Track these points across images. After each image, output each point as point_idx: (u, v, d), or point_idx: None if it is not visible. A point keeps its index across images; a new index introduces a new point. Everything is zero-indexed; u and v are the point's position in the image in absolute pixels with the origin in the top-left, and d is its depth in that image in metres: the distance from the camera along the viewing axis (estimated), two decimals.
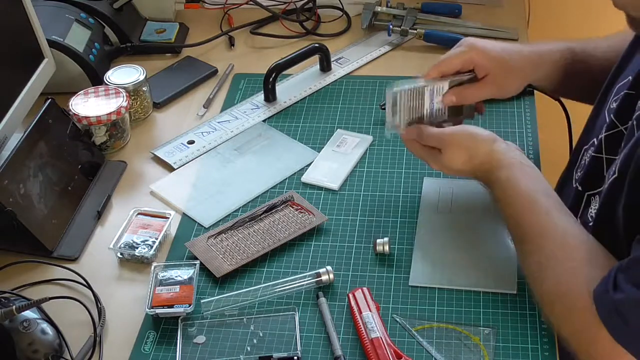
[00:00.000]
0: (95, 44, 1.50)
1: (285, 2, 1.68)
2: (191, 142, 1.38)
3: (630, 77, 1.09)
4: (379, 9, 1.62)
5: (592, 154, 1.10)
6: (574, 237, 0.99)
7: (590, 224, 1.05)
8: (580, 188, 1.12)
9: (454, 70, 1.20)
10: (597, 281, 0.91)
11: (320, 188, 1.28)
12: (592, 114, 1.19)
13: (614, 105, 1.10)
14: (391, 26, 1.58)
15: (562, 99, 1.31)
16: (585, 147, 1.16)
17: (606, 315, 0.89)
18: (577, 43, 1.27)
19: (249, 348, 1.05)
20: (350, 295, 1.08)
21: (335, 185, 1.28)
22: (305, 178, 1.29)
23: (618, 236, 0.97)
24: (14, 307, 0.98)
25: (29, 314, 1.04)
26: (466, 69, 1.20)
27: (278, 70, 1.45)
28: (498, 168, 1.09)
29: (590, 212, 1.07)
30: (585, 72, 1.26)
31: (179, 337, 1.06)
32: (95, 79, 1.46)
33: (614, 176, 0.99)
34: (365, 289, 1.08)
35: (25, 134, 1.23)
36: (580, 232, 1.00)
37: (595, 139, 1.13)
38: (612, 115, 1.08)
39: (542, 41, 1.27)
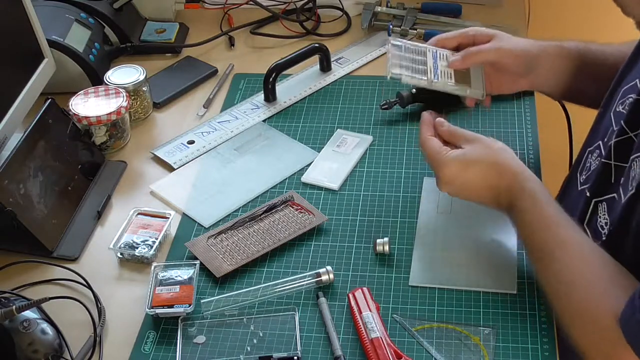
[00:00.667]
0: (95, 44, 1.50)
1: (285, 2, 1.68)
2: (191, 142, 1.38)
3: (637, 81, 1.08)
4: (379, 9, 1.62)
5: (602, 160, 1.09)
6: (599, 257, 0.98)
7: (604, 233, 1.05)
8: (588, 194, 1.10)
9: (455, 42, 1.21)
10: (620, 300, 0.90)
11: (320, 188, 1.28)
12: (599, 116, 1.18)
13: (620, 108, 1.10)
14: (391, 26, 1.58)
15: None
16: (589, 149, 1.15)
17: (633, 337, 0.88)
18: (596, 46, 1.27)
19: (249, 348, 1.05)
20: (350, 295, 1.08)
21: (335, 185, 1.28)
22: (305, 178, 1.29)
23: (629, 250, 0.98)
24: (14, 307, 0.98)
25: (29, 314, 1.04)
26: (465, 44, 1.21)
27: (278, 70, 1.45)
28: (521, 197, 1.05)
29: (600, 220, 1.06)
30: (596, 75, 1.25)
31: (179, 337, 1.06)
32: (95, 79, 1.46)
33: (632, 192, 0.99)
34: (365, 289, 1.08)
35: (25, 134, 1.23)
36: (602, 252, 0.99)
37: (601, 143, 1.12)
38: (622, 122, 1.07)
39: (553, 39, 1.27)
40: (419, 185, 1.27)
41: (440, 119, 1.13)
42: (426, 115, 1.14)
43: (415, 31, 1.56)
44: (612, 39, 1.27)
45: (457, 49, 1.23)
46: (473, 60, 1.20)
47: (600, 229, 1.06)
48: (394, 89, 1.44)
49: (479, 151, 1.08)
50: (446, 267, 1.13)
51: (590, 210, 1.09)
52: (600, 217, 1.06)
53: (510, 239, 1.15)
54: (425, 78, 1.13)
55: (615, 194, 1.04)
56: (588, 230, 1.08)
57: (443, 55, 1.16)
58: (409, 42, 1.16)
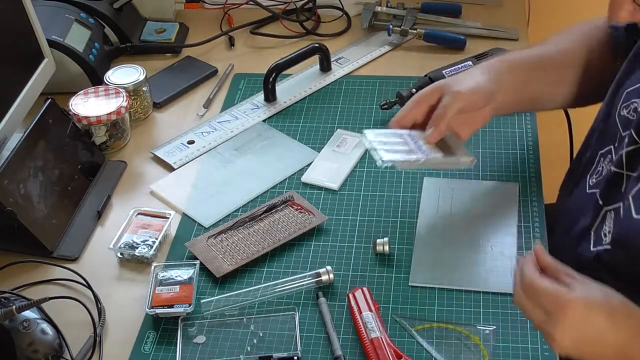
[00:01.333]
0: (95, 44, 1.50)
1: (285, 2, 1.68)
2: (191, 142, 1.38)
3: None
4: (379, 9, 1.62)
5: (613, 168, 1.08)
6: None
7: (606, 240, 1.04)
8: (600, 202, 1.09)
9: (412, 117, 1.13)
10: None
11: (320, 188, 1.28)
12: (602, 116, 1.16)
13: (625, 112, 1.09)
14: (391, 26, 1.58)
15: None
16: (601, 152, 1.14)
17: None
18: (537, 49, 1.23)
19: (249, 348, 1.05)
20: (350, 295, 1.08)
21: (335, 185, 1.28)
22: (305, 178, 1.29)
23: (628, 261, 0.98)
24: (14, 307, 0.98)
25: (29, 314, 1.04)
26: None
27: (278, 70, 1.45)
28: None
29: (604, 228, 1.06)
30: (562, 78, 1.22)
31: (179, 337, 1.06)
32: (95, 79, 1.46)
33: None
34: (365, 289, 1.08)
35: (25, 134, 1.23)
36: None
37: (612, 148, 1.11)
38: (631, 130, 1.06)
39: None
40: (419, 185, 1.27)
41: (539, 247, 0.93)
42: (523, 259, 0.93)
43: (415, 31, 1.56)
44: None
45: (422, 123, 1.14)
46: (445, 123, 1.09)
47: (602, 236, 1.06)
48: (394, 89, 1.44)
49: (605, 291, 0.89)
50: (446, 267, 1.13)
51: (599, 218, 1.08)
52: (606, 225, 1.06)
53: (510, 239, 1.15)
54: (418, 157, 1.07)
55: (621, 203, 1.04)
56: (593, 236, 1.08)
57: (417, 134, 1.11)
58: (381, 130, 1.11)
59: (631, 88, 1.10)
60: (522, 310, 0.92)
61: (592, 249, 1.07)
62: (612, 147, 1.11)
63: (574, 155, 1.28)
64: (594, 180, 1.14)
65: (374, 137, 1.10)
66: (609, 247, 1.04)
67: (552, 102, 1.24)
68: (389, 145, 1.08)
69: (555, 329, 0.87)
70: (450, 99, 1.10)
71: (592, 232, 1.08)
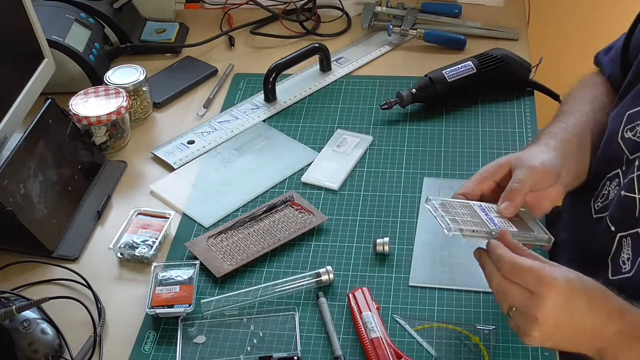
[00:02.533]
0: (95, 44, 1.50)
1: (285, 2, 1.68)
2: (191, 142, 1.38)
3: None
4: (379, 9, 1.62)
5: (624, 193, 1.05)
6: None
7: (625, 268, 1.02)
8: (613, 228, 1.06)
9: (478, 188, 1.05)
10: None
11: (320, 188, 1.28)
12: (606, 140, 1.15)
13: (630, 135, 1.08)
14: (391, 26, 1.58)
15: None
16: (608, 175, 1.11)
17: None
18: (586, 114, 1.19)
19: (249, 348, 1.05)
20: (350, 295, 1.08)
21: (335, 185, 1.28)
22: (305, 178, 1.29)
23: None
24: (14, 307, 0.98)
25: (29, 314, 1.04)
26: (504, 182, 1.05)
27: (278, 70, 1.45)
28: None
29: (622, 256, 1.04)
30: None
31: (179, 337, 1.06)
32: (95, 79, 1.46)
33: None
34: (365, 289, 1.08)
35: (25, 134, 1.23)
36: None
37: (620, 171, 1.09)
38: None
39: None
40: (419, 185, 1.27)
41: (504, 231, 0.95)
42: (494, 242, 0.93)
43: (415, 31, 1.56)
44: (613, 39, 1.27)
45: (486, 194, 1.07)
46: (522, 197, 1.02)
47: (621, 263, 1.04)
48: (394, 89, 1.45)
49: (572, 271, 0.89)
50: (446, 267, 1.13)
51: (615, 246, 1.06)
52: (624, 252, 1.04)
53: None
54: (490, 229, 0.97)
55: (638, 229, 1.02)
56: (611, 265, 1.06)
57: (488, 206, 1.02)
58: (447, 199, 1.02)
59: (633, 110, 1.09)
60: (500, 298, 0.91)
61: (610, 277, 1.04)
62: (619, 170, 1.09)
63: None
64: (599, 204, 1.12)
65: (438, 205, 0.99)
66: (630, 275, 1.02)
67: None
68: (458, 215, 0.98)
69: (539, 310, 0.86)
70: (525, 173, 1.03)
71: (609, 261, 1.06)
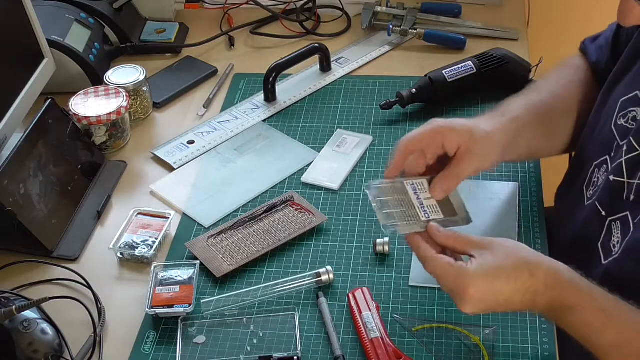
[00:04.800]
0: (95, 44, 1.50)
1: (285, 2, 1.68)
2: (191, 142, 1.38)
3: (638, 92, 1.08)
4: (379, 9, 1.62)
5: (613, 177, 1.06)
6: None
7: (614, 251, 1.04)
8: (604, 213, 1.07)
9: (417, 149, 1.05)
10: None
11: (320, 188, 1.28)
12: (591, 122, 1.16)
13: (622, 122, 1.09)
14: (391, 26, 1.58)
15: None
16: (596, 162, 1.13)
17: None
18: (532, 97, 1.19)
19: (249, 348, 1.05)
20: (350, 295, 1.08)
21: (335, 185, 1.28)
22: (305, 178, 1.29)
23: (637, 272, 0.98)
24: (14, 307, 0.98)
25: (29, 314, 1.04)
26: (432, 152, 1.06)
27: (278, 70, 1.45)
28: (564, 293, 0.93)
29: (612, 240, 1.05)
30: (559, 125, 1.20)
31: (179, 337, 1.06)
32: (95, 79, 1.46)
33: None
34: (365, 289, 1.08)
35: (25, 134, 1.23)
36: None
37: (608, 158, 1.10)
38: (630, 138, 1.05)
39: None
40: None
41: (432, 225, 0.99)
42: (415, 236, 0.99)
43: (415, 31, 1.56)
44: None
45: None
46: (454, 187, 1.05)
47: (612, 247, 1.05)
48: (394, 89, 1.45)
49: (499, 255, 0.94)
50: None
51: (605, 230, 1.07)
52: (614, 236, 1.05)
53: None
54: (418, 222, 1.01)
55: (628, 212, 1.03)
56: (601, 249, 1.07)
57: (421, 185, 1.05)
58: (384, 181, 1.05)
59: (626, 97, 1.10)
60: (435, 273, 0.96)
61: (603, 262, 1.05)
62: (607, 157, 1.10)
63: (569, 163, 1.27)
64: (591, 192, 1.13)
65: (375, 195, 1.03)
66: (617, 256, 1.03)
67: (545, 154, 1.22)
68: (393, 206, 1.03)
69: (463, 306, 0.93)
70: (469, 168, 1.04)
71: (599, 246, 1.07)
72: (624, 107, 1.09)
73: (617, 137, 1.09)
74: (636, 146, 1.04)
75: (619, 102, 1.11)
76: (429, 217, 1.02)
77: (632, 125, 1.07)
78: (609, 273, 1.03)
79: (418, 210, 1.02)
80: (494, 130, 1.08)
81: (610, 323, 0.92)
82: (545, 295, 0.92)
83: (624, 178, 1.05)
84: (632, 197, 1.03)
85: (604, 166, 1.11)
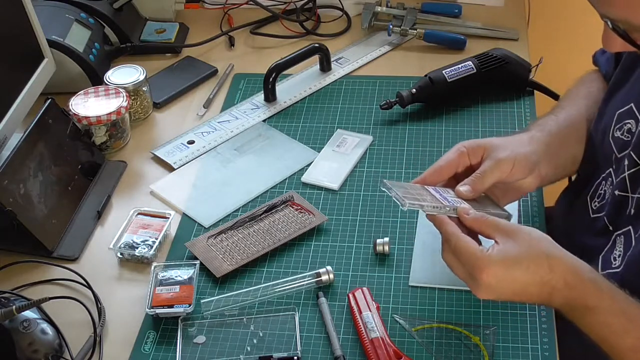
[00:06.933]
0: (95, 44, 1.50)
1: (285, 2, 1.68)
2: (191, 142, 1.38)
3: (632, 105, 1.08)
4: (379, 9, 1.62)
5: (618, 192, 1.06)
6: None
7: (615, 264, 1.03)
8: (611, 228, 1.07)
9: (452, 170, 1.07)
10: None
11: (320, 188, 1.28)
12: (593, 133, 1.16)
13: (619, 134, 1.09)
14: (391, 26, 1.58)
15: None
16: (603, 175, 1.12)
17: None
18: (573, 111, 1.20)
19: (249, 348, 1.05)
20: (350, 295, 1.08)
21: (335, 185, 1.28)
22: (305, 178, 1.29)
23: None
24: (14, 307, 0.98)
25: (29, 314, 1.04)
26: (462, 171, 1.08)
27: (278, 70, 1.45)
28: (584, 293, 0.93)
29: (614, 253, 1.05)
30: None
31: (179, 337, 1.06)
32: (95, 79, 1.46)
33: None
34: (365, 289, 1.08)
35: (25, 134, 1.23)
36: None
37: (612, 171, 1.10)
38: (630, 152, 1.05)
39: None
40: None
41: (464, 206, 0.99)
42: (441, 216, 0.98)
43: (415, 31, 1.56)
44: None
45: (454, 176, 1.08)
46: (482, 188, 1.05)
47: (612, 259, 1.05)
48: (394, 89, 1.45)
49: (522, 245, 0.93)
50: (446, 267, 1.12)
51: (610, 244, 1.07)
52: (616, 249, 1.05)
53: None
54: (447, 204, 0.99)
55: (630, 226, 1.03)
56: (600, 261, 1.07)
57: (444, 190, 1.04)
58: (404, 183, 1.06)
59: (622, 109, 1.10)
60: (449, 267, 0.98)
61: (599, 272, 1.04)
62: (611, 169, 1.10)
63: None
64: (596, 204, 1.13)
65: (392, 184, 1.01)
66: (618, 270, 1.03)
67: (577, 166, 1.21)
68: (413, 194, 1.00)
69: (476, 291, 0.94)
70: (492, 166, 1.05)
71: (600, 258, 1.07)
72: (620, 120, 1.10)
73: (615, 150, 1.09)
74: (637, 160, 1.04)
75: (615, 114, 1.11)
76: (458, 205, 1.00)
77: (628, 137, 1.07)
78: None
79: (443, 202, 1.00)
80: (514, 138, 1.10)
81: (630, 326, 0.91)
82: (564, 292, 0.92)
83: (627, 192, 1.05)
84: (632, 210, 1.03)
85: (609, 179, 1.11)
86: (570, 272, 0.92)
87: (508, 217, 1.06)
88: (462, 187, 1.04)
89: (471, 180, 1.04)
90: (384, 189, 1.02)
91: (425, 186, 1.04)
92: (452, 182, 1.07)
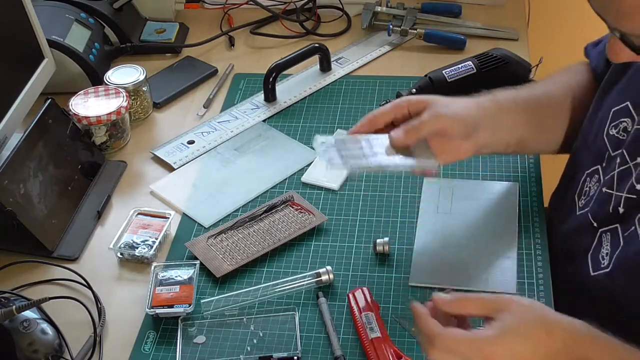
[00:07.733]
0: (95, 44, 1.50)
1: (285, 2, 1.68)
2: (191, 142, 1.38)
3: (628, 104, 1.07)
4: (379, 9, 1.62)
5: (605, 189, 1.07)
6: None
7: (603, 263, 1.04)
8: (595, 224, 1.08)
9: (389, 117, 1.08)
10: None
11: (320, 188, 1.28)
12: (585, 130, 1.16)
13: (614, 132, 1.08)
14: (391, 26, 1.58)
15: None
16: (588, 171, 1.13)
17: None
18: (540, 89, 1.20)
19: (249, 348, 1.05)
20: (350, 295, 1.08)
21: (335, 185, 1.28)
22: (305, 178, 1.29)
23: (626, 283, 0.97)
24: (14, 307, 0.98)
25: (29, 314, 1.04)
26: (400, 121, 1.07)
27: (278, 70, 1.45)
28: (586, 350, 0.90)
29: (602, 251, 1.05)
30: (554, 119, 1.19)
31: (179, 337, 1.06)
32: (95, 79, 1.46)
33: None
34: (365, 289, 1.08)
35: (25, 134, 1.23)
36: None
37: (600, 168, 1.10)
38: (623, 150, 1.05)
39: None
40: (419, 185, 1.26)
41: (438, 294, 0.93)
42: (418, 306, 0.93)
43: (415, 31, 1.56)
44: None
45: (392, 124, 1.08)
46: (416, 135, 1.04)
47: (600, 259, 1.05)
48: (394, 89, 1.45)
49: (519, 316, 0.89)
50: (446, 267, 1.13)
51: (595, 241, 1.07)
52: (603, 247, 1.05)
53: (510, 239, 1.15)
54: (372, 160, 1.02)
55: (618, 224, 1.03)
56: (590, 260, 1.07)
57: (379, 139, 1.05)
58: (338, 136, 1.07)
59: (618, 107, 1.09)
60: None
61: (592, 273, 1.06)
62: (599, 166, 1.10)
63: (563, 171, 1.26)
64: (582, 201, 1.13)
65: (323, 143, 1.05)
66: (608, 270, 1.03)
67: (536, 148, 1.22)
68: (343, 150, 1.03)
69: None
70: (430, 116, 1.05)
71: (589, 256, 1.07)
72: (615, 117, 1.09)
73: (609, 148, 1.09)
74: (627, 159, 1.04)
75: (610, 112, 1.10)
76: (384, 157, 1.01)
77: (623, 136, 1.07)
78: (600, 286, 1.03)
79: (373, 156, 1.02)
80: (460, 100, 1.10)
81: None
82: (566, 353, 0.88)
83: (613, 190, 1.05)
84: (620, 209, 1.03)
85: (596, 176, 1.11)
86: (569, 332, 0.89)
87: (436, 165, 1.05)
88: (394, 132, 1.04)
89: (404, 128, 1.04)
90: (315, 146, 1.06)
91: (361, 137, 1.06)
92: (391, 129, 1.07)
